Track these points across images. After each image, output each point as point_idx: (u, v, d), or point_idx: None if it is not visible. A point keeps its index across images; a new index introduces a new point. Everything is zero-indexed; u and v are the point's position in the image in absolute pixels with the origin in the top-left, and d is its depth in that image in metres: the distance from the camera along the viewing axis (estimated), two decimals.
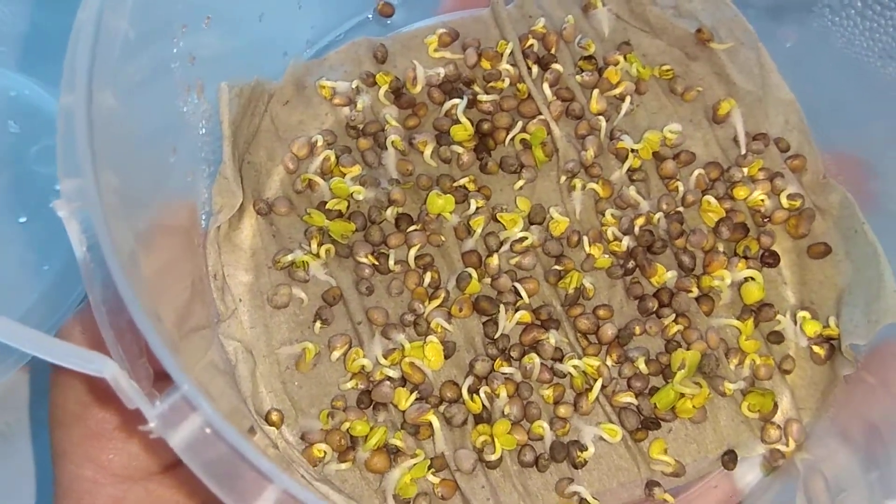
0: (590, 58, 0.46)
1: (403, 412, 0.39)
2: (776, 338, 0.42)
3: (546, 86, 0.45)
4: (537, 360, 0.40)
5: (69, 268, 0.43)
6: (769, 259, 0.43)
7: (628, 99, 0.45)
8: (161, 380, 0.28)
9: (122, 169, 0.31)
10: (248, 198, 0.42)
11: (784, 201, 0.44)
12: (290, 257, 0.41)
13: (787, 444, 0.40)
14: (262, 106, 0.44)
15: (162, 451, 0.33)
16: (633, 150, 0.44)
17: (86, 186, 0.28)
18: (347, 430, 0.39)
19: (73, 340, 0.34)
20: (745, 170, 0.44)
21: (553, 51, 0.46)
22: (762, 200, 0.44)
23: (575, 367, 0.40)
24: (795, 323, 0.42)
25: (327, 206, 0.42)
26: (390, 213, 0.42)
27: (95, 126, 0.29)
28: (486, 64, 0.45)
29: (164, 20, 0.35)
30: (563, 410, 0.40)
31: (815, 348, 0.42)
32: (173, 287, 0.37)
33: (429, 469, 0.38)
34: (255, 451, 0.26)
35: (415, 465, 0.38)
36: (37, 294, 0.44)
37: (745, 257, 0.43)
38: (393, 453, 0.39)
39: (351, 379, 0.40)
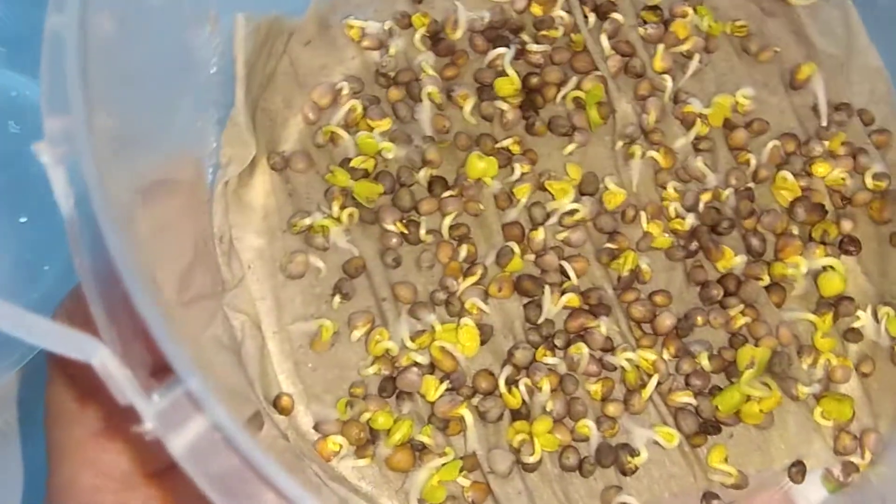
0: (654, 8, 0.40)
1: (432, 404, 0.34)
2: (854, 336, 0.37)
3: (604, 37, 0.39)
4: (586, 350, 0.35)
5: (70, 268, 0.40)
6: (849, 246, 0.38)
7: (696, 57, 0.40)
8: (161, 367, 0.23)
9: (120, 109, 0.26)
10: (261, 150, 0.37)
11: (869, 181, 0.39)
12: (307, 221, 0.36)
13: (862, 457, 0.36)
14: (280, 45, 0.38)
15: (164, 451, 0.30)
16: (701, 116, 0.39)
17: (75, 127, 0.23)
18: (367, 421, 0.34)
19: None
20: (826, 143, 0.39)
21: None
22: (843, 179, 0.39)
23: (629, 360, 0.35)
24: (877, 320, 0.37)
25: (352, 164, 0.37)
26: (423, 175, 0.37)
27: (89, 54, 0.24)
28: (536, 9, 0.40)
29: None
30: (612, 409, 0.35)
31: None
32: (172, 250, 0.32)
33: (460, 471, 0.34)
34: (275, 464, 0.21)
35: (444, 465, 0.34)
36: (37, 294, 0.42)
37: (823, 243, 0.38)
38: (418, 450, 0.34)
39: (373, 363, 0.35)
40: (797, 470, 0.36)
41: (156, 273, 0.28)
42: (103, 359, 0.22)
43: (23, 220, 0.44)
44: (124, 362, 0.22)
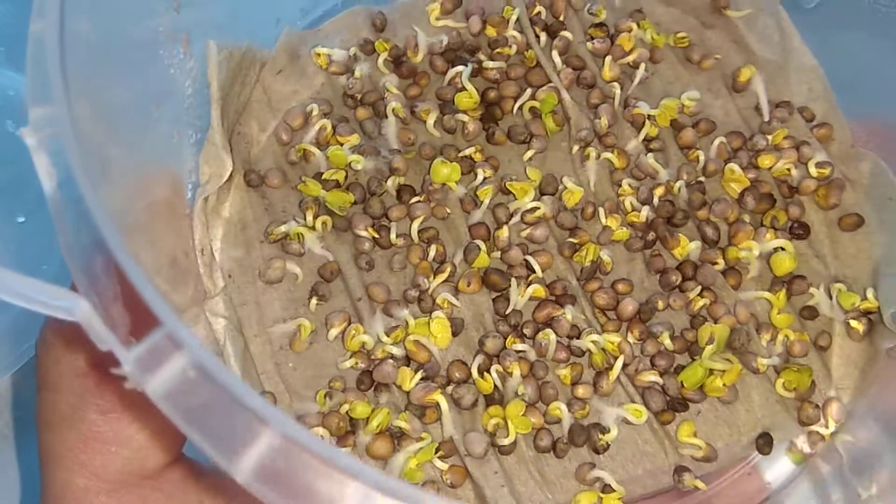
0: (601, 25, 0.43)
1: (408, 393, 0.36)
2: (810, 313, 0.39)
3: (556, 53, 0.42)
4: (553, 336, 0.37)
5: (68, 268, 0.42)
6: (799, 230, 0.40)
7: (643, 66, 0.42)
8: (141, 328, 0.25)
9: (100, 104, 0.28)
10: (237, 169, 0.39)
11: (813, 170, 0.41)
12: (283, 228, 0.38)
13: (826, 426, 0.37)
14: (253, 75, 0.41)
15: (157, 452, 0.31)
16: (649, 117, 0.41)
17: (57, 112, 0.25)
18: (347, 412, 0.36)
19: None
20: (770, 137, 0.41)
21: (561, 18, 0.43)
22: (788, 170, 0.41)
23: (594, 342, 0.37)
24: (830, 297, 0.39)
25: (324, 177, 0.39)
26: (391, 183, 0.39)
27: (68, 54, 0.26)
28: (491, 31, 0.43)
29: None
30: (581, 391, 0.37)
31: (853, 323, 0.38)
32: (154, 263, 0.34)
33: (436, 453, 0.35)
34: (248, 389, 0.22)
35: (421, 448, 0.35)
36: None
37: (773, 228, 0.40)
38: (397, 437, 0.36)
39: (350, 358, 0.37)
40: (764, 441, 0.37)
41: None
42: (85, 313, 0.24)
43: (21, 220, 0.44)
44: (105, 322, 0.24)
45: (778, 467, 0.38)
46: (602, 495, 0.35)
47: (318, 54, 0.42)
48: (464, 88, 0.41)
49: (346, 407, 0.36)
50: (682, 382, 0.37)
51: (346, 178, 0.40)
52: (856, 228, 0.40)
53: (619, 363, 0.37)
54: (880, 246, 0.40)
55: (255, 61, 0.41)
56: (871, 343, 0.38)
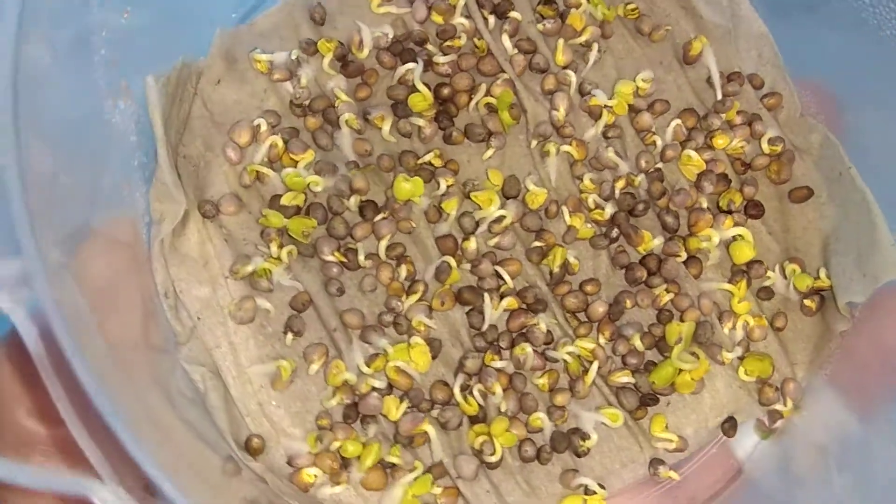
0: (549, 2, 0.41)
1: (395, 423, 0.37)
2: (766, 294, 0.40)
3: (506, 37, 0.41)
4: (529, 349, 0.38)
5: None
6: (752, 210, 0.41)
7: (595, 47, 0.41)
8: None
9: (57, 226, 0.26)
10: (191, 201, 0.37)
11: (765, 146, 0.41)
12: (249, 267, 0.37)
13: (784, 404, 0.40)
14: (190, 88, 0.38)
15: None
16: (607, 107, 0.40)
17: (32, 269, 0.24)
18: (338, 450, 0.36)
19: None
20: (724, 116, 0.41)
21: None
22: (742, 147, 0.41)
23: (569, 353, 0.38)
24: (785, 276, 0.40)
25: (282, 202, 0.38)
26: (353, 202, 0.38)
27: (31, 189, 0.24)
28: (437, 18, 0.41)
29: (81, 29, 0.29)
30: (559, 398, 0.38)
31: (807, 301, 0.40)
32: (122, 312, 0.33)
33: (432, 482, 0.36)
34: None
35: (415, 479, 0.36)
36: None
37: (730, 212, 0.40)
38: (388, 468, 0.36)
39: (334, 394, 0.37)
40: (729, 425, 0.39)
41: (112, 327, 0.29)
42: (102, 495, 0.23)
43: None
44: (120, 483, 0.24)
45: (747, 443, 0.40)
46: (586, 497, 0.37)
47: (258, 60, 0.39)
48: (415, 88, 0.39)
49: (336, 444, 0.36)
50: (653, 381, 0.38)
51: (305, 199, 0.38)
52: (805, 200, 0.41)
53: (593, 369, 0.38)
54: (829, 219, 0.41)
55: (191, 73, 0.38)
56: (822, 318, 0.40)
